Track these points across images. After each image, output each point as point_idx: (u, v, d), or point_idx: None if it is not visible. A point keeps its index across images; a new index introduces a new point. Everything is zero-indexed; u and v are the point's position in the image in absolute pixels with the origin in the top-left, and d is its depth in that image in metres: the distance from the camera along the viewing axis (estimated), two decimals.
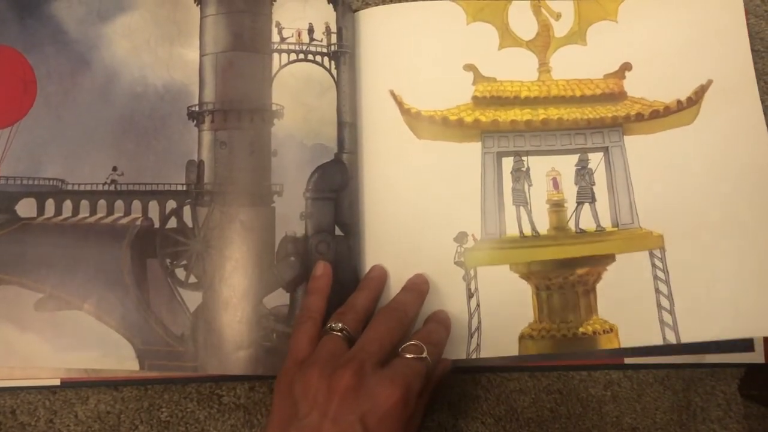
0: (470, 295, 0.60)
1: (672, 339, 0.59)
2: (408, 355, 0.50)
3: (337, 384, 0.47)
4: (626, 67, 0.64)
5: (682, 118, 0.63)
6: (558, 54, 0.65)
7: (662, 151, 0.62)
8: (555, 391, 0.62)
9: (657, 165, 0.62)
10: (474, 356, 0.59)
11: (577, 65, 0.65)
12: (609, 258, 0.60)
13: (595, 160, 0.63)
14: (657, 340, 0.59)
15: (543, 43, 0.65)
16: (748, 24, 0.65)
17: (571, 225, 0.62)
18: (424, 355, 0.51)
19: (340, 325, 0.53)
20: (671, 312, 0.59)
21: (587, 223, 0.62)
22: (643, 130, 0.63)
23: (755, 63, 0.64)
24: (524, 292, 0.60)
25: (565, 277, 0.60)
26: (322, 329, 0.54)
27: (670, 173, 0.62)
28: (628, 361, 0.61)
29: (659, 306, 0.59)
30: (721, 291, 0.60)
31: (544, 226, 0.62)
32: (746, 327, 0.59)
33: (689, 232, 0.60)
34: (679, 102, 0.63)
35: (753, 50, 0.65)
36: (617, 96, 0.64)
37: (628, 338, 0.59)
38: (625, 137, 0.63)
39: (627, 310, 0.60)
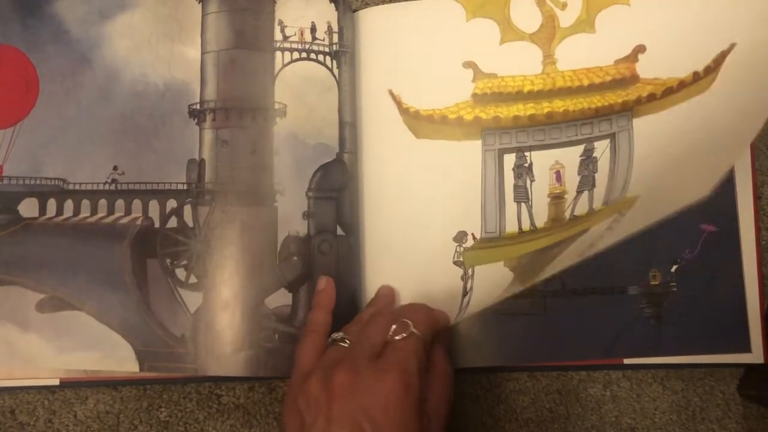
0: (464, 294, 0.60)
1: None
2: (396, 338, 0.50)
3: (333, 386, 0.47)
4: (639, 49, 0.61)
5: (698, 88, 0.58)
6: (564, 44, 0.63)
7: (673, 126, 0.58)
8: (554, 392, 0.62)
9: (665, 141, 0.58)
10: None
11: (586, 54, 0.62)
12: (583, 232, 0.58)
13: (601, 147, 0.60)
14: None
15: (547, 35, 0.63)
16: None
17: (567, 214, 0.60)
18: (412, 330, 0.50)
19: (341, 335, 0.52)
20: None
21: (582, 209, 0.60)
22: (654, 110, 0.60)
23: None
24: (509, 284, 0.59)
25: (541, 263, 0.59)
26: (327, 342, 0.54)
27: (678, 147, 0.57)
28: (627, 361, 0.60)
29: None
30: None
31: (543, 220, 0.61)
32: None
33: (668, 192, 0.55)
34: (695, 74, 0.58)
35: None
36: (628, 80, 0.61)
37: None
38: (634, 120, 0.60)
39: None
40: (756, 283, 0.60)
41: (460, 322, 0.60)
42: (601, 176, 0.60)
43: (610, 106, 0.60)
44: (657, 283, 0.60)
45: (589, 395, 0.62)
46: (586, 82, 0.61)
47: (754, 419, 0.62)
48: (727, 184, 0.62)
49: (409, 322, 0.51)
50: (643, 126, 0.60)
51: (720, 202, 0.61)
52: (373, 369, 0.47)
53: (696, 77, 0.58)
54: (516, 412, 0.62)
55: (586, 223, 0.58)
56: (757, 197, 0.62)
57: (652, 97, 0.59)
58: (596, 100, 0.61)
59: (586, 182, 0.60)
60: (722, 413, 0.62)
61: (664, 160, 0.58)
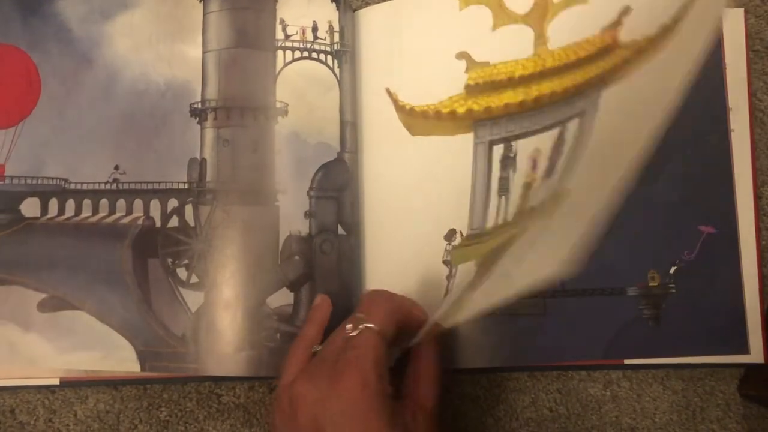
0: (445, 294, 0.60)
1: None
2: (351, 335, 0.49)
3: (295, 396, 0.47)
4: (624, 12, 0.56)
5: (661, 44, 0.47)
6: (557, 20, 0.60)
7: (636, 92, 0.48)
8: (554, 391, 0.62)
9: (615, 118, 0.50)
10: None
11: (578, 27, 0.59)
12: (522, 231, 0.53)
13: (573, 128, 0.56)
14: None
15: (540, 13, 0.61)
16: (747, 24, 0.63)
17: (529, 205, 0.57)
18: (365, 324, 0.49)
19: (320, 347, 0.52)
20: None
21: (537, 199, 0.56)
22: (627, 74, 0.51)
23: (754, 63, 0.64)
24: (471, 278, 0.57)
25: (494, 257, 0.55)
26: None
27: (632, 119, 0.44)
28: (627, 361, 0.60)
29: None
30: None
31: (513, 212, 0.58)
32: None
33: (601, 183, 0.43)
34: (665, 26, 0.46)
35: (752, 50, 0.64)
36: (609, 48, 0.56)
37: None
38: (608, 90, 0.52)
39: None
40: (756, 283, 0.60)
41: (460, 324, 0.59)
42: (563, 159, 0.56)
43: (589, 80, 0.56)
44: (656, 284, 0.60)
45: (589, 395, 0.62)
46: (573, 58, 0.58)
47: (754, 419, 0.62)
48: (727, 185, 0.61)
49: (362, 315, 0.50)
50: (607, 99, 0.53)
51: (719, 203, 0.61)
52: (329, 372, 0.47)
53: (665, 30, 0.47)
54: (516, 412, 0.62)
55: (536, 214, 0.53)
56: (758, 197, 0.62)
57: (625, 63, 0.53)
58: (579, 77, 0.57)
59: (552, 167, 0.57)
60: (722, 413, 0.62)
61: (606, 143, 0.49)
